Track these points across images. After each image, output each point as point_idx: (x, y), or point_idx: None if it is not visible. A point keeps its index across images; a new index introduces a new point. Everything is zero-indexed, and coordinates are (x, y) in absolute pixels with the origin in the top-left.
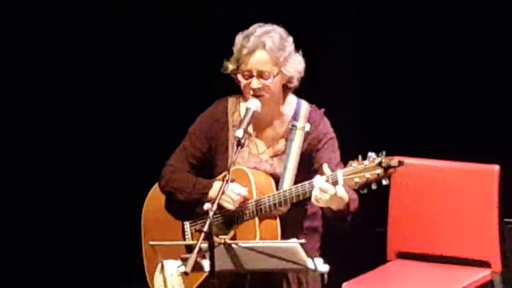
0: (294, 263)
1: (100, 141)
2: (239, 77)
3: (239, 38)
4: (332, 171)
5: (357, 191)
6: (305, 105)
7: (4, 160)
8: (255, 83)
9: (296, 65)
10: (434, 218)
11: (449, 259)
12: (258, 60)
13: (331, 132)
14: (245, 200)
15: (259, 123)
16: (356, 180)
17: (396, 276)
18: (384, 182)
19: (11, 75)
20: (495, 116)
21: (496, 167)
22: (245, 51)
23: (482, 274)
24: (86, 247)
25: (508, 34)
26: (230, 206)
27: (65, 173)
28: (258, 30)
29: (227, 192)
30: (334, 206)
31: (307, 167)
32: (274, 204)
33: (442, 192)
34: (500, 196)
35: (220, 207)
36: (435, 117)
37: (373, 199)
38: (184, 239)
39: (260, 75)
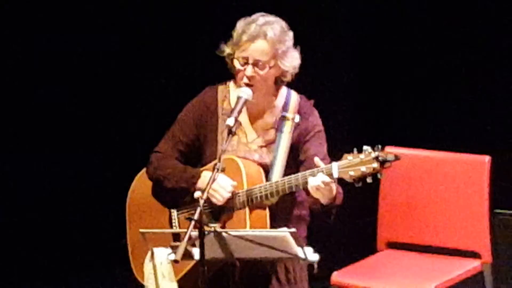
0: (285, 252)
1: (89, 126)
2: (235, 62)
3: (240, 23)
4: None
5: (351, 184)
6: (294, 96)
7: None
8: (249, 70)
9: (292, 60)
10: (424, 208)
11: (440, 249)
12: (257, 48)
13: (319, 125)
14: (234, 192)
15: (250, 113)
16: (351, 173)
17: (386, 266)
18: (379, 176)
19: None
20: (486, 106)
21: (487, 158)
22: (245, 37)
23: (473, 265)
24: (69, 232)
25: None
26: (218, 202)
27: (53, 161)
28: (261, 18)
29: (216, 187)
30: (323, 199)
31: (296, 158)
32: (266, 195)
33: (433, 182)
34: (491, 186)
35: (208, 199)
36: (426, 107)
37: (364, 188)
38: (171, 227)
39: (256, 63)
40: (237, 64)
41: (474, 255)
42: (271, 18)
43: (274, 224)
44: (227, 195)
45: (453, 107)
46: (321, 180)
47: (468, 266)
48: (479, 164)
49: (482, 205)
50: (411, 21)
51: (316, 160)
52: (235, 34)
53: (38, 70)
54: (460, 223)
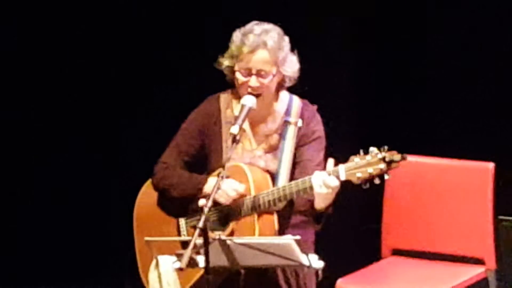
0: (289, 259)
1: (92, 136)
2: (237, 74)
3: (237, 35)
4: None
5: (355, 191)
6: (297, 101)
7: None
8: (254, 81)
9: (292, 65)
10: (429, 215)
11: (444, 256)
12: (259, 59)
13: (320, 131)
14: (241, 196)
15: (253, 119)
16: (359, 175)
17: (391, 273)
18: (386, 176)
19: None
20: (490, 113)
21: (491, 165)
22: (246, 49)
23: (477, 271)
24: (76, 243)
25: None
26: (226, 202)
27: (59, 169)
28: (257, 28)
29: (223, 188)
30: (323, 203)
31: None
32: (274, 200)
33: (437, 189)
34: (495, 193)
35: (215, 203)
36: (430, 114)
37: (368, 195)
38: (179, 236)
39: (259, 73)
40: (239, 76)
41: (478, 261)
42: (266, 26)
43: (283, 230)
44: (234, 193)
45: (457, 114)
46: (322, 180)
47: (473, 273)
48: (483, 171)
49: (486, 212)
50: (414, 21)
51: (329, 162)
52: (233, 46)
53: None
54: (464, 230)
